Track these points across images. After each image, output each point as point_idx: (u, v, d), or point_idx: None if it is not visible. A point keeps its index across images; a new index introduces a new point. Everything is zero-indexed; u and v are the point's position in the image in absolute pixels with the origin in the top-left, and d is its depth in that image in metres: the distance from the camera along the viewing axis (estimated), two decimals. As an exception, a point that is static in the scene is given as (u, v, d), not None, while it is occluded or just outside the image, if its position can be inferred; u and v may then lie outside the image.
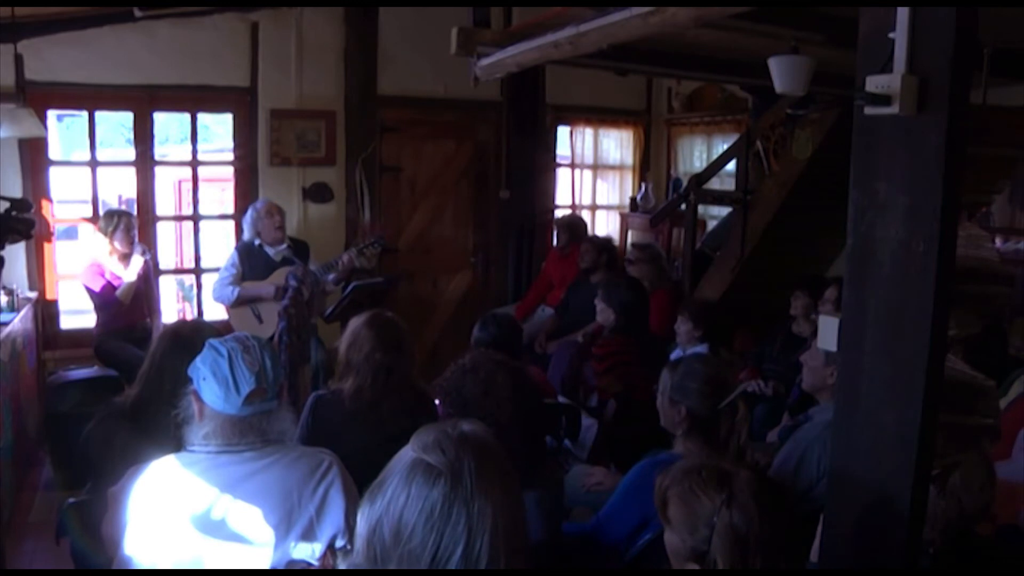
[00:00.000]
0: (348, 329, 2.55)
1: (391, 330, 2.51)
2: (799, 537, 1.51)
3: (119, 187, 6.69)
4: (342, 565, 1.72)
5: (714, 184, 5.13)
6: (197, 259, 5.23)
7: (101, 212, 4.73)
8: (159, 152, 5.67)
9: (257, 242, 4.57)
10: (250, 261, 4.57)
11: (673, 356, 4.03)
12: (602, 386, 3.72)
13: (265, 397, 1.72)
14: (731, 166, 5.02)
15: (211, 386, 1.70)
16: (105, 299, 4.34)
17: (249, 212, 4.61)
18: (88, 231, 5.08)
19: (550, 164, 6.15)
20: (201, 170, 5.20)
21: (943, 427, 1.59)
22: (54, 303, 4.80)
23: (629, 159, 6.51)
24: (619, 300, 3.79)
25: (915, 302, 1.52)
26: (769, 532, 1.40)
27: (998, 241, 4.20)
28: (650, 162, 6.51)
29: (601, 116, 6.32)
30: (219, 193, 5.75)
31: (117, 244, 4.35)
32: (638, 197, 6.26)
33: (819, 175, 4.49)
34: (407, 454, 1.17)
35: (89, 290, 4.38)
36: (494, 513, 1.11)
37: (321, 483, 1.74)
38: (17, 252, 4.51)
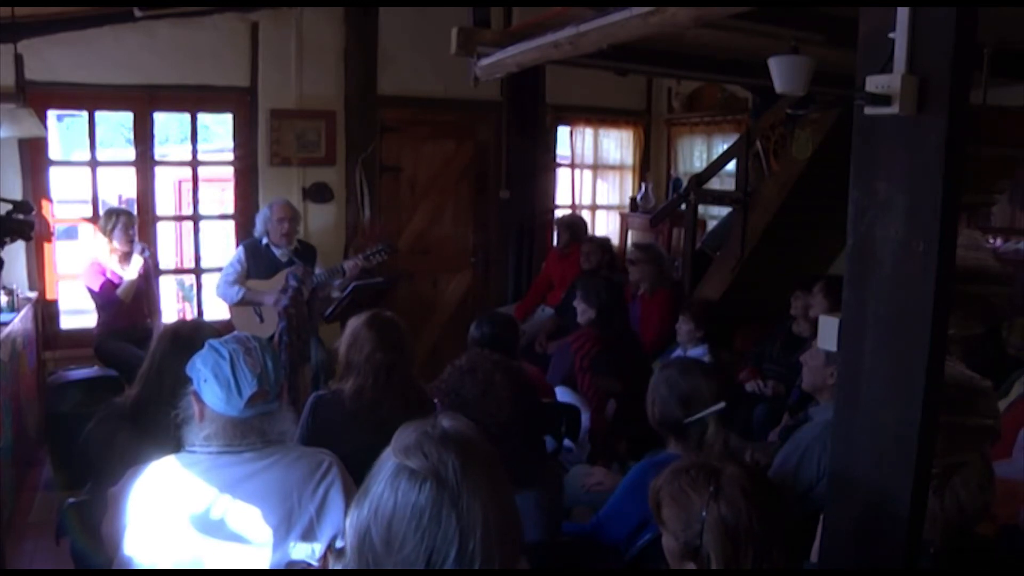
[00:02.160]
0: (348, 329, 2.55)
1: (391, 330, 2.52)
2: (794, 529, 1.51)
3: (119, 187, 6.70)
4: (337, 567, 1.72)
5: (714, 184, 5.13)
6: (197, 259, 5.23)
7: (101, 212, 4.74)
8: (159, 152, 5.67)
9: (264, 241, 4.58)
10: (255, 260, 4.57)
11: (674, 356, 4.04)
12: (583, 365, 3.69)
13: (267, 399, 1.72)
14: (731, 166, 5.02)
15: (212, 388, 1.69)
16: (106, 298, 4.34)
17: (264, 209, 4.62)
18: (88, 231, 5.09)
19: (550, 164, 6.15)
20: (201, 170, 5.20)
21: (942, 427, 1.59)
22: (54, 303, 4.80)
23: (629, 159, 6.51)
24: (599, 300, 3.78)
25: (915, 302, 1.52)
26: (759, 524, 1.41)
27: (998, 241, 4.20)
28: (650, 162, 6.51)
29: (601, 116, 6.32)
30: (219, 193, 5.75)
31: (116, 243, 4.35)
32: (638, 197, 6.26)
33: (819, 175, 4.49)
34: (389, 459, 1.15)
35: (90, 290, 4.38)
36: (484, 510, 1.10)
37: (321, 483, 1.74)
38: (17, 252, 4.51)
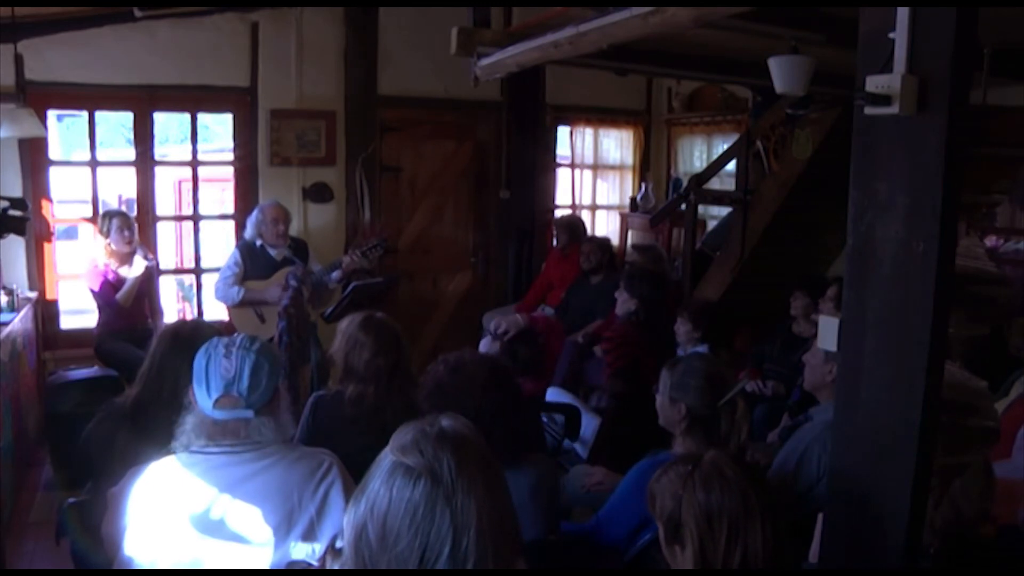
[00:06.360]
0: (341, 334, 2.54)
1: (389, 333, 2.51)
2: (780, 513, 1.53)
3: (119, 187, 6.69)
4: (334, 567, 1.72)
5: (714, 184, 5.13)
6: (197, 259, 5.23)
7: (101, 212, 4.74)
8: (159, 152, 5.67)
9: (259, 242, 4.57)
10: (252, 261, 4.56)
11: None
12: (609, 361, 3.65)
13: (237, 405, 1.71)
14: (731, 166, 5.02)
15: (194, 383, 1.74)
16: (106, 299, 4.34)
17: (255, 212, 4.61)
18: (88, 231, 5.09)
19: (550, 164, 6.15)
20: (201, 170, 5.20)
21: (942, 428, 1.59)
22: (54, 303, 4.80)
23: (629, 159, 6.51)
24: (641, 292, 3.72)
25: (915, 302, 1.52)
26: (731, 503, 1.47)
27: (999, 241, 4.20)
28: (650, 162, 6.51)
29: (601, 116, 6.32)
30: (219, 193, 5.75)
31: (113, 244, 4.35)
32: (638, 197, 6.26)
33: (819, 175, 4.49)
34: (387, 457, 1.17)
35: (92, 290, 4.39)
36: (478, 508, 1.11)
37: (322, 483, 1.74)
38: (17, 252, 4.51)
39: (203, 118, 5.50)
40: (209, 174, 5.53)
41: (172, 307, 6.52)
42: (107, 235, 4.35)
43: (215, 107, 5.21)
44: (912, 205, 1.51)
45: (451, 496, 1.10)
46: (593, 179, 6.48)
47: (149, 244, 4.86)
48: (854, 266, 1.64)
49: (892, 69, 1.50)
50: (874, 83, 1.51)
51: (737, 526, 1.46)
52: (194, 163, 5.14)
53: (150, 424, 2.07)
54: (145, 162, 4.95)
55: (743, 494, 1.48)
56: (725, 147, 5.35)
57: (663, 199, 6.07)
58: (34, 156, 4.58)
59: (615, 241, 6.05)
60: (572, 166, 6.35)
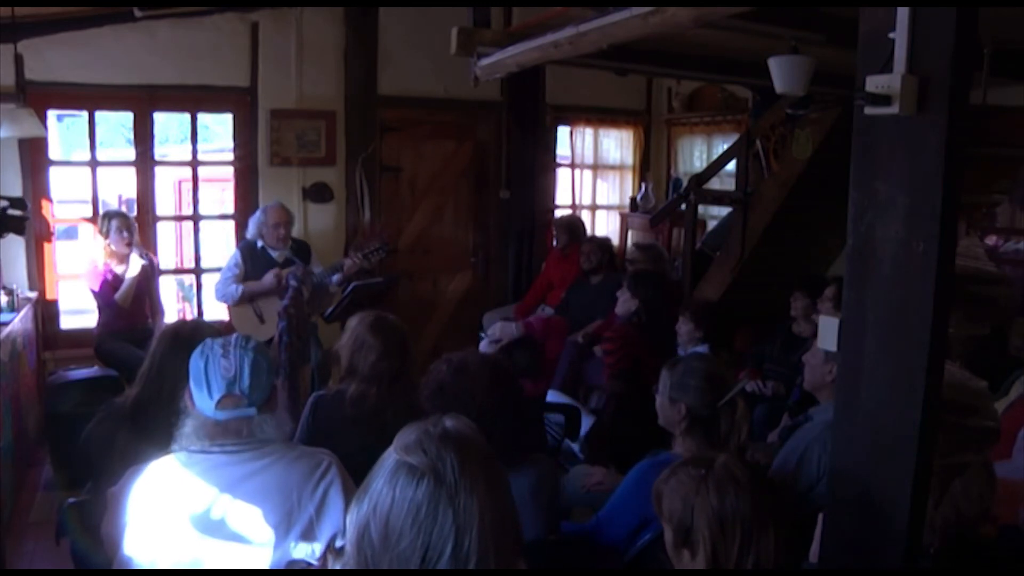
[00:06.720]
0: (350, 332, 2.53)
1: (396, 336, 2.51)
2: (788, 521, 1.53)
3: (119, 187, 6.69)
4: (336, 566, 1.72)
5: (714, 184, 5.13)
6: (197, 259, 5.23)
7: (101, 212, 4.74)
8: (159, 152, 5.67)
9: (260, 243, 4.58)
10: (252, 262, 4.56)
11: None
12: (610, 363, 3.66)
13: (240, 404, 1.71)
14: (731, 166, 5.02)
15: (192, 386, 1.73)
16: (106, 299, 4.34)
17: (258, 213, 4.61)
18: (88, 231, 5.09)
19: (550, 164, 6.16)
20: (201, 170, 5.21)
21: (942, 428, 1.59)
22: (54, 303, 4.80)
23: (629, 159, 6.51)
24: (645, 294, 3.72)
25: (915, 302, 1.52)
26: (746, 508, 1.46)
27: (999, 241, 4.20)
28: (650, 162, 6.51)
29: (601, 116, 6.32)
30: (219, 193, 5.76)
31: (112, 245, 4.35)
32: (638, 197, 6.27)
33: (819, 175, 4.49)
34: (390, 456, 1.17)
35: (92, 290, 4.39)
36: (481, 508, 1.11)
37: (320, 483, 1.74)
38: (17, 252, 4.51)
39: (203, 118, 5.50)
40: (209, 174, 5.53)
41: (172, 307, 6.53)
42: (106, 236, 4.36)
43: (215, 107, 5.21)
44: (912, 205, 1.51)
45: (454, 496, 1.11)
46: (593, 179, 6.48)
47: (149, 244, 4.86)
48: (854, 266, 1.64)
49: (892, 69, 1.50)
50: (874, 83, 1.51)
51: (750, 532, 1.44)
52: (194, 163, 5.13)
53: (150, 424, 2.07)
54: (145, 162, 4.95)
55: (756, 499, 1.47)
56: (725, 147, 5.35)
57: (663, 199, 6.07)
58: (34, 156, 4.58)
59: (615, 241, 6.06)
60: (572, 166, 6.36)
